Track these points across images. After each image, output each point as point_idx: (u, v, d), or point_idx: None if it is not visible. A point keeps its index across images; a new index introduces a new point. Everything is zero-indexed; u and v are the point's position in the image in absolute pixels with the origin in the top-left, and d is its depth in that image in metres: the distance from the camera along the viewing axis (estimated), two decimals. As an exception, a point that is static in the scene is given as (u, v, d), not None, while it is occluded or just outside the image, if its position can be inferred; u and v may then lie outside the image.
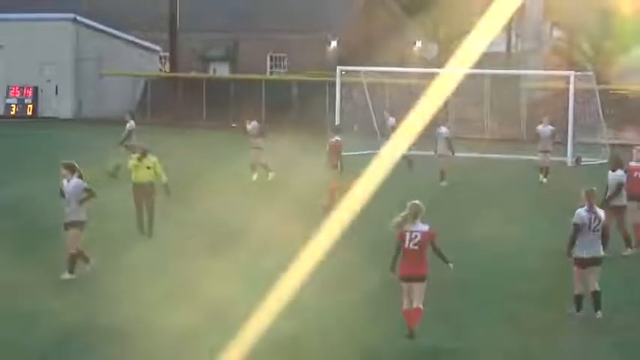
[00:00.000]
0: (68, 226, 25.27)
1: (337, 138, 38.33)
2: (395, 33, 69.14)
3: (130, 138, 42.19)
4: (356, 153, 48.17)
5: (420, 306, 19.96)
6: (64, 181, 25.36)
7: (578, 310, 21.52)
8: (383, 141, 47.04)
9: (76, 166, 25.65)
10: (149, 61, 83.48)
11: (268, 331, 19.73)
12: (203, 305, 22.41)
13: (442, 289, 24.07)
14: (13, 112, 77.44)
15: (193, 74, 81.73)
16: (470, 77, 51.76)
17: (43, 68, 78.09)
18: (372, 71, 59.19)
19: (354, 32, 74.81)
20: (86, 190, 25.23)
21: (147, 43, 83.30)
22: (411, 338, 19.91)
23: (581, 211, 21.30)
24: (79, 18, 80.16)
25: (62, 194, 25.43)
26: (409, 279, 19.96)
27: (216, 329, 20.83)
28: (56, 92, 78.62)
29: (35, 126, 70.74)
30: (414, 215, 19.85)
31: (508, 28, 62.43)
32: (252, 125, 44.40)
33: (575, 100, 52.49)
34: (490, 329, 22.42)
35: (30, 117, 76.91)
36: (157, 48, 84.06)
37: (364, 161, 39.60)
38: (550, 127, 43.88)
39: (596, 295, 21.29)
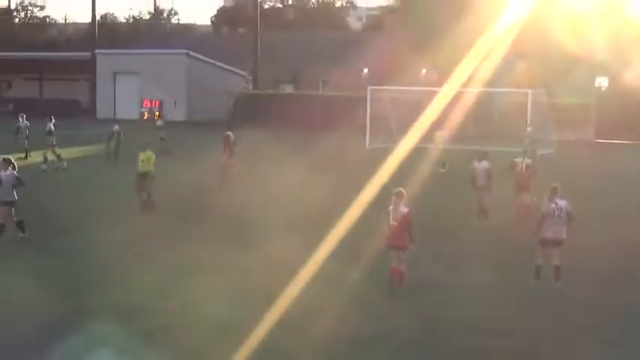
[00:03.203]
0: (2, 204, 23.89)
1: (228, 133, 37.76)
2: (408, 63, 69.30)
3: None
4: (380, 145, 48.76)
5: (403, 269, 18.87)
6: (2, 172, 24.02)
7: (536, 279, 19.79)
8: (398, 138, 47.29)
9: (12, 160, 24.55)
10: (238, 82, 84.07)
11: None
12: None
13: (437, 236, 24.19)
14: (145, 117, 78.49)
15: (269, 91, 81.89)
16: (459, 93, 51.72)
17: (166, 87, 78.92)
18: (392, 89, 59.40)
19: (380, 63, 74.81)
20: (17, 178, 23.98)
21: (237, 70, 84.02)
22: (393, 289, 18.73)
23: (546, 202, 19.80)
24: (190, 53, 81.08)
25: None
26: (392, 247, 18.89)
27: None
28: (175, 104, 79.52)
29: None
30: (400, 199, 18.74)
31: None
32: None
33: (532, 109, 52.77)
34: (471, 269, 21.61)
35: (156, 121, 77.96)
36: (244, 73, 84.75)
37: (386, 151, 40.05)
38: (443, 133, 43.61)
39: (557, 268, 19.56)
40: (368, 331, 16.62)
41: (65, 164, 41.82)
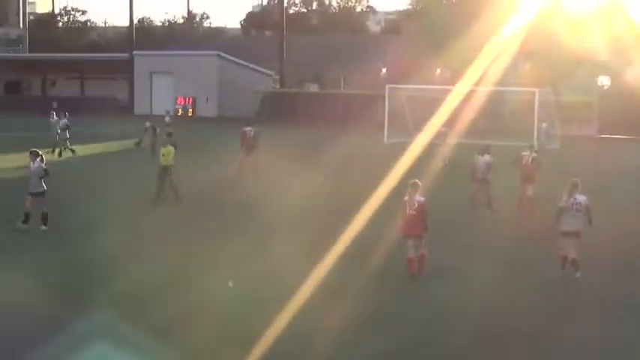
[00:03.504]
0: (32, 194, 23.72)
1: (245, 129, 37.86)
2: (423, 64, 69.25)
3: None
4: (397, 140, 48.79)
5: (423, 252, 18.90)
6: (31, 163, 23.91)
7: (562, 268, 19.46)
8: (414, 133, 47.17)
9: (39, 152, 24.19)
10: (266, 81, 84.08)
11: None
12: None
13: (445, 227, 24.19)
14: (179, 114, 78.78)
15: (295, 90, 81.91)
16: (471, 92, 51.52)
17: (198, 85, 79.20)
18: (408, 88, 59.26)
19: (397, 63, 74.88)
20: (44, 170, 23.68)
21: (264, 70, 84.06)
22: (414, 278, 18.77)
23: (564, 197, 19.31)
24: (221, 54, 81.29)
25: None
26: (408, 236, 18.87)
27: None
28: (207, 101, 79.81)
29: (194, 121, 72.21)
30: (415, 190, 18.78)
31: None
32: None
33: (539, 107, 52.61)
34: (476, 254, 21.82)
35: (190, 117, 78.30)
36: (271, 73, 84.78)
37: (403, 145, 40.05)
38: (445, 129, 43.38)
39: (574, 261, 19.19)
40: (382, 315, 16.73)
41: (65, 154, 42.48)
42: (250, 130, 37.94)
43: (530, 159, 27.93)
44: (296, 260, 19.82)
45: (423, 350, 15.03)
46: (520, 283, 19.31)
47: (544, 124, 47.60)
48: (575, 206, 19.21)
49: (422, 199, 18.80)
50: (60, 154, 43.09)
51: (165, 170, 29.49)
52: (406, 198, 18.87)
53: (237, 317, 16.15)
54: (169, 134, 36.14)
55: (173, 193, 29.45)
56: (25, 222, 23.69)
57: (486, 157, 27.76)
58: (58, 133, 44.87)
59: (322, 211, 26.65)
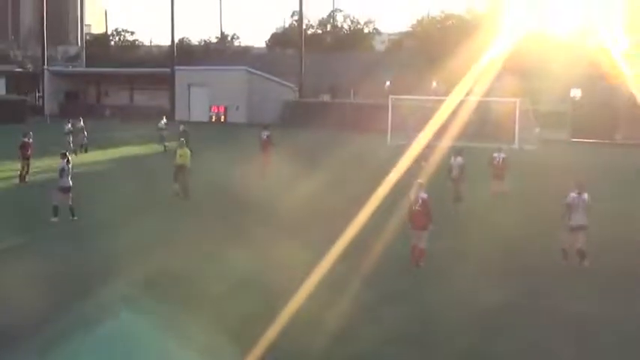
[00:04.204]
0: (61, 189, 23.77)
1: (263, 132, 36.98)
2: (421, 77, 69.56)
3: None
4: (399, 143, 48.94)
5: (422, 247, 18.67)
6: (61, 162, 23.88)
7: (565, 259, 19.06)
8: (413, 137, 47.20)
9: (67, 154, 24.39)
10: (287, 92, 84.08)
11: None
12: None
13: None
14: (213, 120, 79.20)
15: (311, 100, 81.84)
16: (462, 102, 51.58)
17: (229, 96, 79.44)
18: (409, 98, 59.24)
19: (399, 77, 75.12)
20: (61, 169, 23.68)
21: (286, 82, 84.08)
22: (418, 266, 18.62)
23: (572, 194, 18.89)
24: (249, 69, 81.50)
25: None
26: (415, 228, 18.62)
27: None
28: (237, 109, 79.96)
29: (225, 127, 72.49)
30: (420, 188, 18.67)
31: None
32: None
33: (520, 114, 53.00)
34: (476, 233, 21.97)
35: (222, 123, 78.56)
36: (292, 85, 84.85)
37: (402, 147, 40.16)
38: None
39: (580, 251, 18.78)
40: (392, 289, 16.90)
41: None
42: (264, 134, 37.70)
43: (500, 160, 28.31)
44: (310, 245, 19.80)
45: (429, 327, 14.88)
46: (516, 267, 19.27)
47: (537, 129, 47.72)
48: (581, 203, 18.91)
49: (425, 196, 18.66)
50: (86, 150, 42.41)
51: (180, 169, 28.79)
52: (412, 196, 18.77)
53: (250, 301, 15.68)
54: (162, 137, 35.43)
55: (183, 189, 28.71)
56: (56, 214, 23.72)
57: (459, 159, 27.30)
58: (85, 137, 43.73)
59: (332, 202, 26.49)
